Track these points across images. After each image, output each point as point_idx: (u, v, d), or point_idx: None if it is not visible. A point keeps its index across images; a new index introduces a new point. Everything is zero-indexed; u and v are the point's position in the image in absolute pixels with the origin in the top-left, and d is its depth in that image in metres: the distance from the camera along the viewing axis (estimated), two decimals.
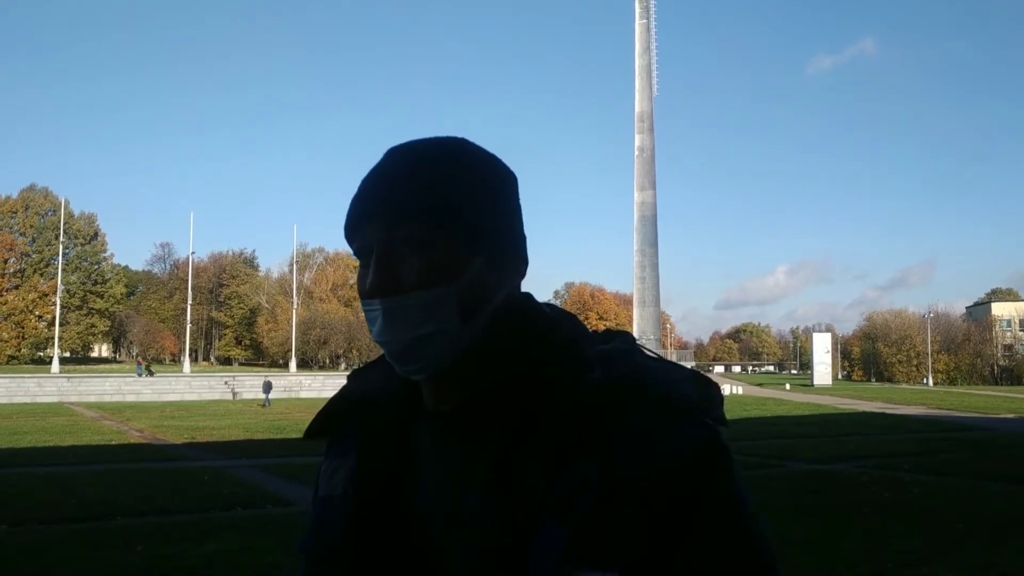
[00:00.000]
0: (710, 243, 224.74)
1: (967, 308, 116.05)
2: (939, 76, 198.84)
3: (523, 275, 0.97)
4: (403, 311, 0.88)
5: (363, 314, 0.95)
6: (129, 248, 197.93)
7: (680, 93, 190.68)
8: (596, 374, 0.87)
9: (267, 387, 42.10)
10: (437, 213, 0.88)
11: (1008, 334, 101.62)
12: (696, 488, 0.82)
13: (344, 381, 1.08)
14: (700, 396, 0.87)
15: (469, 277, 0.89)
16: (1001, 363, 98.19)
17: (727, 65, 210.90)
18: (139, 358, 72.48)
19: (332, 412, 1.04)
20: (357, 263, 0.94)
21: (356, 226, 0.91)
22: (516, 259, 0.95)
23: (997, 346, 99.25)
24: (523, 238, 0.98)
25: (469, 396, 0.92)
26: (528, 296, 0.99)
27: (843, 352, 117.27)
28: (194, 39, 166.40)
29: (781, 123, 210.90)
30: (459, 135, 0.98)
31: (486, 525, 0.83)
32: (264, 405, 39.18)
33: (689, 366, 0.95)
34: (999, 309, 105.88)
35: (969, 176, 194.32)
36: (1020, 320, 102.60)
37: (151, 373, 58.86)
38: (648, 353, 0.93)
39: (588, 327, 1.00)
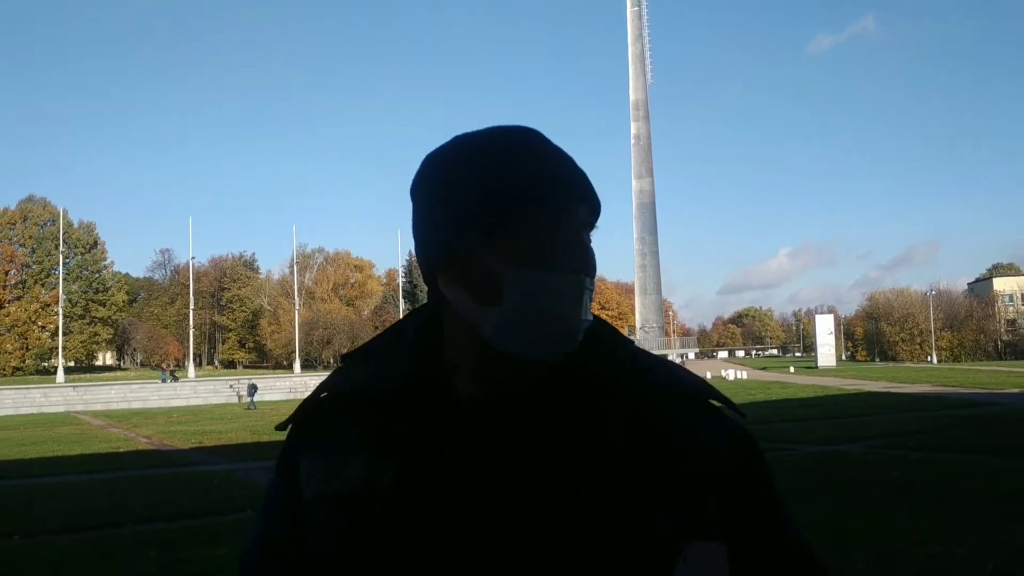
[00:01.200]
0: (712, 229, 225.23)
1: (969, 284, 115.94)
2: (939, 53, 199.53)
3: None
4: (590, 293, 0.88)
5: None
6: (129, 255, 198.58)
7: (677, 80, 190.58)
8: (645, 372, 0.93)
9: (251, 389, 41.39)
10: (598, 203, 0.93)
11: (1011, 309, 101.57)
12: (756, 471, 0.94)
13: None
14: (714, 391, 0.95)
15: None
16: (1004, 338, 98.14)
17: (723, 49, 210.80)
18: (164, 364, 72.51)
19: (323, 401, 0.97)
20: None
21: (554, 192, 0.88)
22: None
23: (1000, 321, 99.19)
24: None
25: (533, 387, 0.90)
26: None
27: (846, 333, 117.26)
28: (188, 46, 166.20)
29: (780, 105, 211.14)
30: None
31: (571, 505, 0.84)
32: (249, 408, 38.66)
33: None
34: (1001, 284, 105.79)
35: (970, 153, 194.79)
36: (1022, 295, 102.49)
37: (176, 379, 58.83)
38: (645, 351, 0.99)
39: None
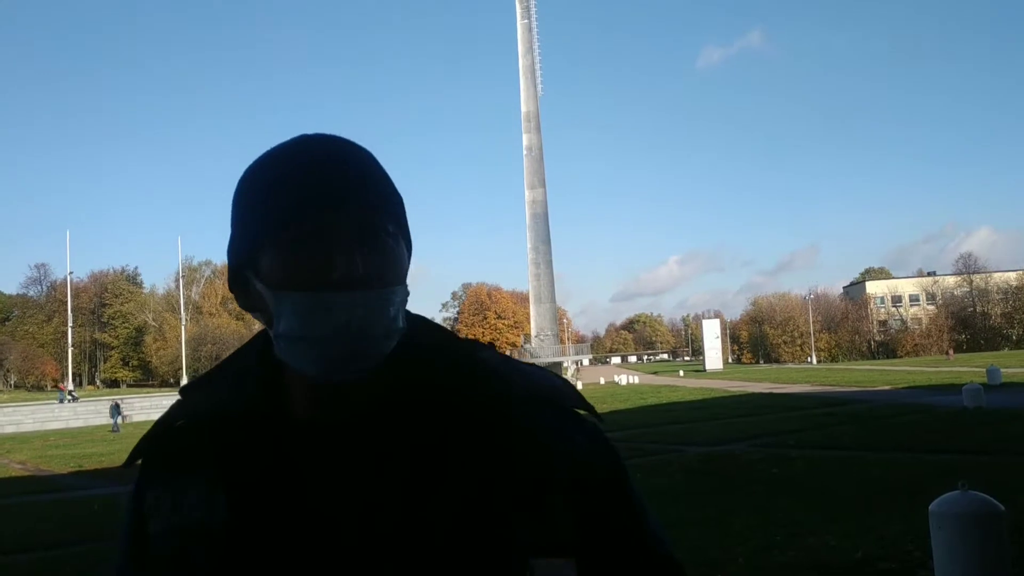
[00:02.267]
0: (605, 238, 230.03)
1: (844, 288, 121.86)
2: (818, 66, 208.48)
3: None
4: (378, 306, 0.82)
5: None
6: (0, 272, 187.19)
7: (568, 90, 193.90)
8: (499, 380, 0.90)
9: (114, 410, 38.76)
10: (400, 208, 0.89)
11: (882, 311, 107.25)
12: (607, 476, 0.91)
13: None
14: (577, 397, 0.94)
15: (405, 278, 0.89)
16: (877, 338, 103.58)
17: (613, 62, 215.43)
18: (61, 384, 68.74)
19: (163, 434, 0.95)
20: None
21: (311, 206, 0.82)
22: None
23: (873, 322, 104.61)
24: None
25: (364, 406, 0.87)
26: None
27: (732, 336, 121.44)
28: (56, 47, 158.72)
29: (669, 116, 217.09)
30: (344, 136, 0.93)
31: (412, 529, 0.81)
32: (113, 430, 36.11)
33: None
34: (873, 287, 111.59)
35: (846, 161, 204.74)
36: (892, 296, 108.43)
37: (75, 399, 55.76)
38: (518, 360, 0.99)
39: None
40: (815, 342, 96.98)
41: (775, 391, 38.28)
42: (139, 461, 0.97)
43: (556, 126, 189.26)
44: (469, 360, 0.91)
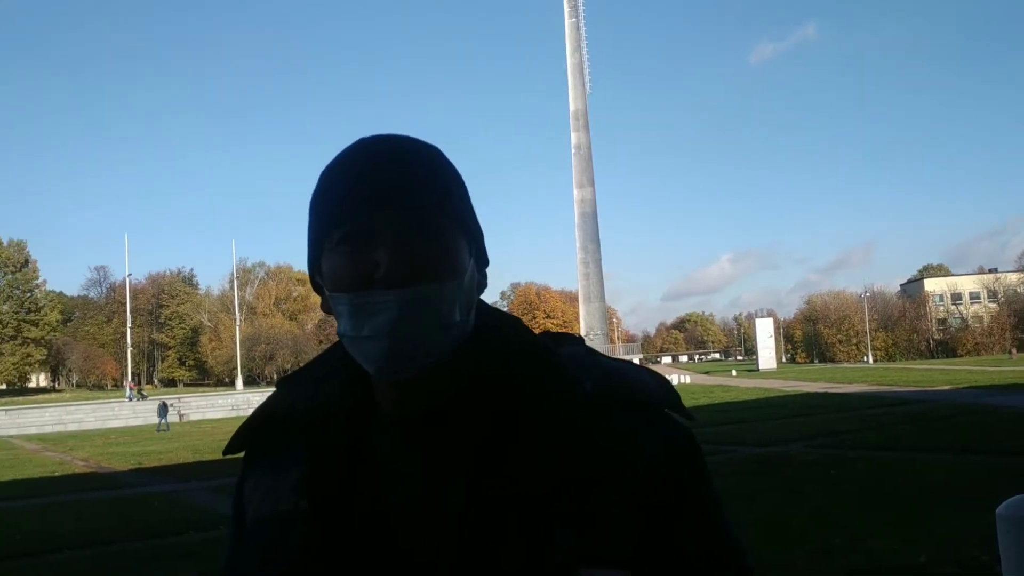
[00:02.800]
0: (656, 237, 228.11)
1: (901, 286, 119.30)
2: (874, 60, 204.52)
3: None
4: (427, 301, 0.82)
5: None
6: (63, 274, 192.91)
7: (618, 88, 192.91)
8: (572, 379, 0.87)
9: (162, 410, 38.58)
10: (450, 203, 0.86)
11: (941, 308, 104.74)
12: (680, 482, 0.85)
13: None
14: (665, 394, 0.90)
15: (469, 274, 0.87)
16: (936, 337, 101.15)
17: (665, 58, 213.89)
18: (130, 383, 70.75)
19: (260, 426, 0.97)
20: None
21: (360, 205, 0.83)
22: (485, 263, 0.93)
23: (931, 321, 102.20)
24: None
25: (439, 401, 0.87)
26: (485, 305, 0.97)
27: (786, 336, 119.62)
28: (119, 58, 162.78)
29: (721, 112, 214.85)
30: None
31: (475, 526, 0.81)
32: (160, 429, 36.23)
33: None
34: (931, 285, 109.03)
35: (904, 157, 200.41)
36: (952, 294, 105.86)
37: (144, 396, 57.17)
38: (604, 354, 0.97)
39: (535, 327, 1.04)
40: (871, 341, 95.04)
41: (831, 391, 37.63)
42: (240, 452, 1.00)
43: (605, 124, 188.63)
44: (545, 356, 0.89)
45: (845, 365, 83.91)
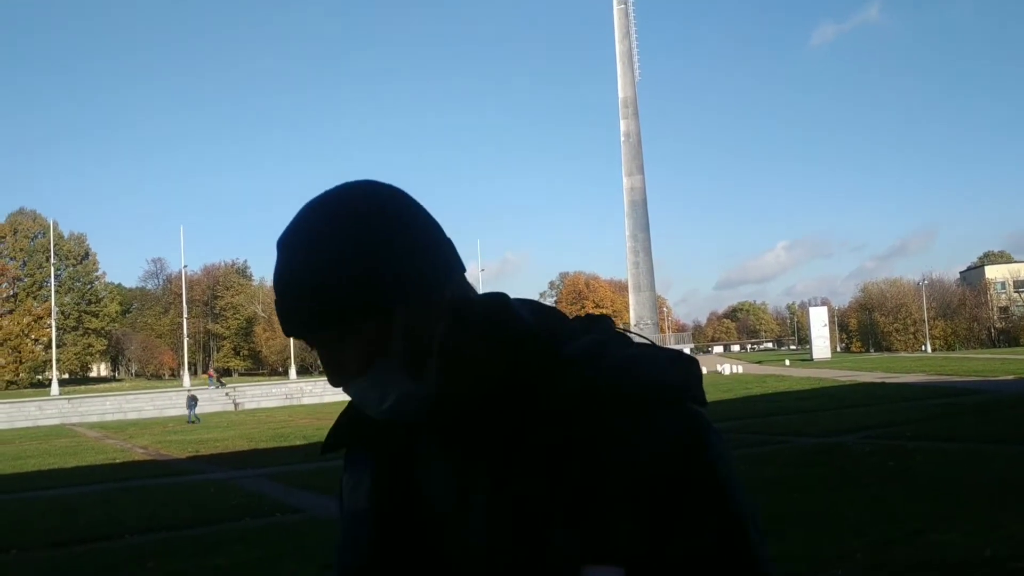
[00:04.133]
0: (709, 224, 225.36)
1: (961, 273, 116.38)
2: (937, 42, 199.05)
3: (461, 283, 0.95)
4: (361, 393, 0.92)
5: None
6: (121, 266, 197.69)
7: (667, 75, 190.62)
8: (573, 375, 0.89)
9: (191, 402, 38.32)
10: (336, 315, 0.88)
11: (1003, 296, 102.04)
12: (681, 478, 0.84)
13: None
14: (679, 378, 0.89)
15: (400, 336, 0.90)
16: (997, 325, 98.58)
17: (714, 43, 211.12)
18: (210, 371, 72.62)
19: (341, 425, 1.07)
20: None
21: (288, 335, 0.94)
22: (443, 280, 0.92)
23: (992, 309, 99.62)
24: (439, 249, 0.94)
25: (460, 410, 0.93)
26: (499, 299, 0.98)
27: (841, 325, 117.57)
28: (175, 52, 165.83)
29: (773, 98, 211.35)
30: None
31: (488, 533, 0.87)
32: (191, 421, 36.12)
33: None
34: (992, 272, 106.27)
35: (965, 142, 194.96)
36: (1014, 282, 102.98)
37: (223, 384, 58.47)
38: (631, 337, 0.97)
39: (577, 315, 1.02)
40: (929, 330, 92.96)
41: (888, 381, 36.90)
42: (331, 451, 1.09)
43: (656, 111, 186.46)
44: (545, 357, 0.92)
45: (902, 354, 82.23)
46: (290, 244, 0.91)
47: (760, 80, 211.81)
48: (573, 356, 0.90)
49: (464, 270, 0.97)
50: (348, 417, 1.05)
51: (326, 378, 0.95)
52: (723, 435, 0.90)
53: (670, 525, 0.83)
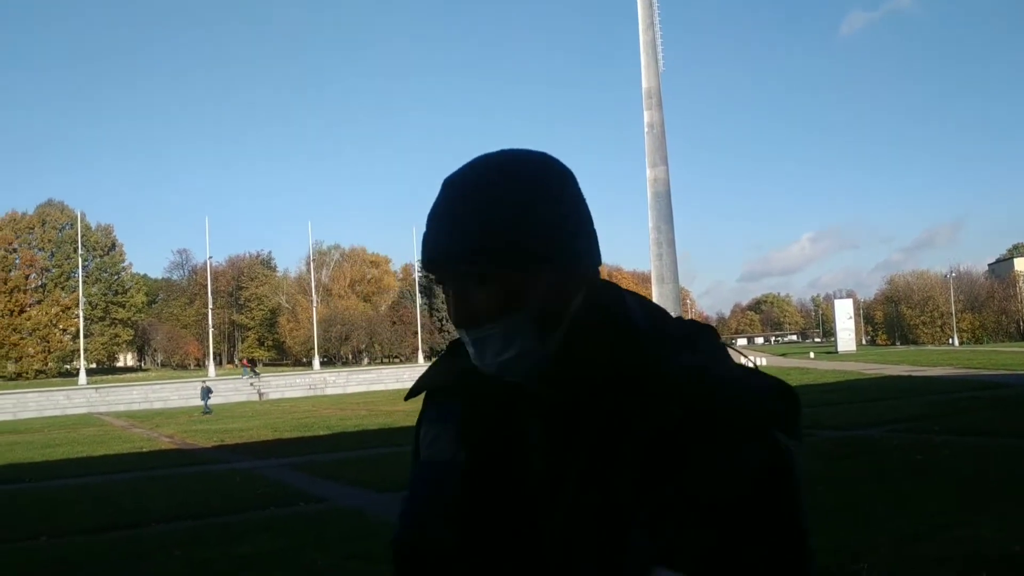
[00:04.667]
0: (734, 216, 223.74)
1: (989, 265, 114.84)
2: (967, 30, 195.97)
3: (596, 271, 1.05)
4: (486, 341, 0.99)
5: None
6: (147, 257, 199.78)
7: (692, 65, 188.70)
8: (681, 386, 0.92)
9: (205, 393, 38.27)
10: (493, 253, 0.97)
11: None
12: (756, 511, 0.88)
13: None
14: (776, 409, 0.92)
15: (539, 296, 0.98)
16: None
17: (741, 33, 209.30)
18: (244, 360, 73.46)
19: (431, 375, 1.16)
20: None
21: (429, 265, 1.02)
22: (587, 261, 1.03)
23: (1022, 302, 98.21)
24: (592, 234, 1.05)
25: (568, 393, 0.99)
26: (615, 291, 1.07)
27: (866, 317, 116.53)
28: (197, 44, 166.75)
29: (799, 87, 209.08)
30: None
31: (574, 509, 0.93)
32: (205, 412, 36.01)
33: None
34: (1022, 264, 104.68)
35: (995, 132, 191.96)
36: None
37: (257, 374, 59.06)
38: (733, 356, 1.02)
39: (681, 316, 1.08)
40: (957, 323, 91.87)
41: (914, 374, 36.56)
42: (418, 396, 1.19)
43: (680, 100, 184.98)
44: (661, 357, 0.96)
45: (929, 347, 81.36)
46: (462, 184, 1.01)
47: (786, 69, 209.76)
48: (685, 365, 0.95)
49: (600, 262, 1.07)
50: (440, 370, 1.15)
51: (451, 316, 1.02)
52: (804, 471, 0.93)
53: (740, 547, 0.86)
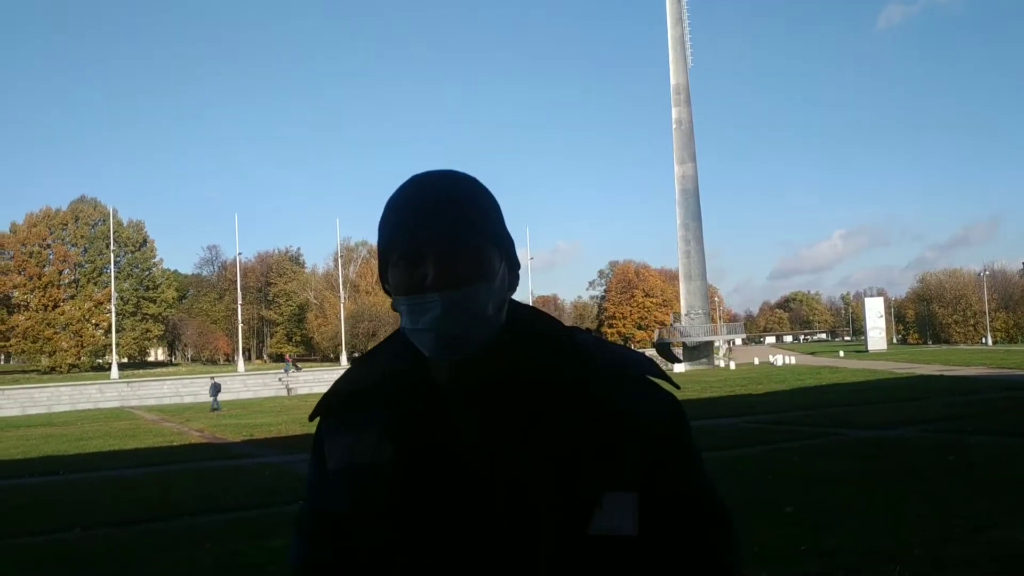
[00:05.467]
0: (764, 213, 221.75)
1: None
2: (1004, 24, 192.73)
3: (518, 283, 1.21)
4: (464, 301, 1.08)
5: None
6: (178, 253, 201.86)
7: (724, 61, 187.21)
8: (595, 353, 1.16)
9: (215, 389, 37.76)
10: (483, 223, 1.12)
11: None
12: (675, 434, 1.17)
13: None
14: (656, 369, 1.19)
15: (499, 277, 1.13)
16: None
17: (771, 29, 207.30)
18: (288, 356, 74.24)
19: (341, 392, 1.23)
20: None
21: (413, 232, 1.10)
22: (516, 269, 1.19)
23: None
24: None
25: (485, 376, 1.14)
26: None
27: (897, 316, 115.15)
28: (229, 42, 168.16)
29: (830, 83, 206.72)
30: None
31: (527, 465, 1.08)
32: (214, 408, 35.82)
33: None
34: None
35: None
36: None
37: (299, 369, 59.44)
38: (609, 341, 1.25)
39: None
40: (991, 322, 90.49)
41: (946, 373, 36.07)
42: (318, 418, 1.27)
43: (710, 96, 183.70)
44: (567, 341, 1.17)
45: (962, 347, 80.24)
46: (438, 177, 1.15)
47: (818, 64, 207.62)
48: (583, 345, 1.17)
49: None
50: (345, 385, 1.23)
51: (430, 278, 1.08)
52: None
53: (668, 463, 1.14)
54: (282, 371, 58.39)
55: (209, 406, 37.22)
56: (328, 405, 1.25)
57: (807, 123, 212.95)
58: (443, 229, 1.09)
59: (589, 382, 1.13)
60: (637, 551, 1.11)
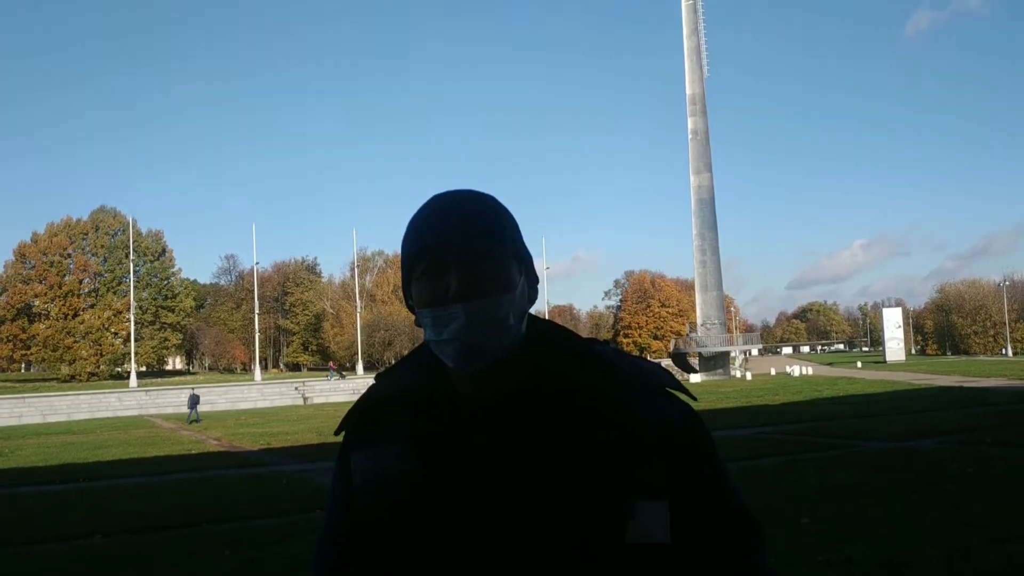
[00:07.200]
0: (783, 223, 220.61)
1: None
2: (1009, 34, 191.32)
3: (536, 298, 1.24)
4: (487, 311, 1.12)
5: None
6: (196, 262, 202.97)
7: (741, 71, 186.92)
8: (615, 365, 1.19)
9: (193, 401, 36.64)
10: (503, 237, 1.17)
11: None
12: (698, 442, 1.19)
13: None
14: (674, 380, 1.21)
15: (520, 289, 1.17)
16: None
17: (787, 39, 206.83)
18: (331, 363, 75.00)
19: (367, 407, 1.27)
20: None
21: (435, 245, 1.14)
22: (535, 283, 1.23)
23: None
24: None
25: (507, 387, 1.18)
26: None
27: (916, 326, 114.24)
28: (245, 52, 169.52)
29: (848, 91, 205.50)
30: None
31: (554, 474, 1.11)
32: (192, 420, 34.81)
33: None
34: None
35: None
36: None
37: (343, 376, 59.63)
38: (627, 353, 1.28)
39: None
40: (1011, 333, 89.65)
41: (965, 385, 35.76)
42: (343, 432, 1.31)
43: (727, 105, 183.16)
44: (586, 353, 1.21)
45: (981, 358, 79.51)
46: (460, 194, 1.19)
47: (835, 73, 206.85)
48: (602, 356, 1.21)
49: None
50: (370, 400, 1.27)
51: (453, 289, 1.12)
52: None
53: (694, 470, 1.16)
54: (326, 378, 58.82)
55: (187, 417, 36.06)
56: (353, 420, 1.29)
57: (826, 132, 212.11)
58: (465, 241, 1.13)
59: (610, 391, 1.16)
60: (671, 559, 1.12)
